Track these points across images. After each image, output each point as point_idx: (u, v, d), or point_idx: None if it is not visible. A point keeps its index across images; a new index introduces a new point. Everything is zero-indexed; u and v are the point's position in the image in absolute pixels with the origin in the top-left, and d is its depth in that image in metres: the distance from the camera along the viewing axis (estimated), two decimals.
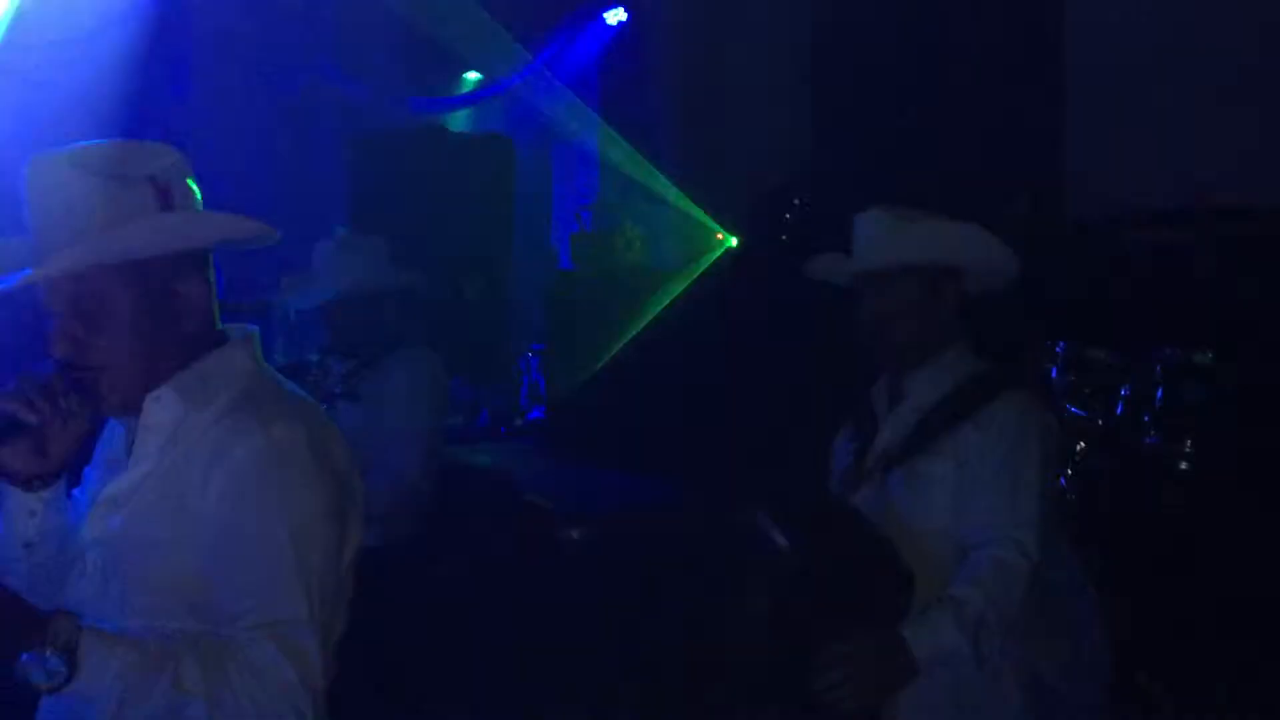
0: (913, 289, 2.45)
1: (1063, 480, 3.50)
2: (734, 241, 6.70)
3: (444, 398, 3.75)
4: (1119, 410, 3.56)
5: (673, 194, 7.29)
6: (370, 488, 3.47)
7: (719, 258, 6.69)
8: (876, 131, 5.98)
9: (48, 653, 1.49)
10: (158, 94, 6.34)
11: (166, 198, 1.70)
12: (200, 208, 1.77)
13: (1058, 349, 3.65)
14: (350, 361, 3.71)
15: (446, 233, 4.89)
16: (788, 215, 6.20)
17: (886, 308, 2.46)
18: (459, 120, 10.00)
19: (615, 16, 8.82)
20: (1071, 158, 5.12)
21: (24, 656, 1.49)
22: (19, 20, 5.31)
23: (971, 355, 2.54)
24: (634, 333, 6.18)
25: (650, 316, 6.21)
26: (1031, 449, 2.36)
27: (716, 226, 6.77)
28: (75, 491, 1.84)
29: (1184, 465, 3.59)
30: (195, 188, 1.77)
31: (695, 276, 6.47)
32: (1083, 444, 3.61)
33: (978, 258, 2.50)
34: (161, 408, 1.73)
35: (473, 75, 10.18)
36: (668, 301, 6.27)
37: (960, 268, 2.49)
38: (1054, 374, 3.74)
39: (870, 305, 2.48)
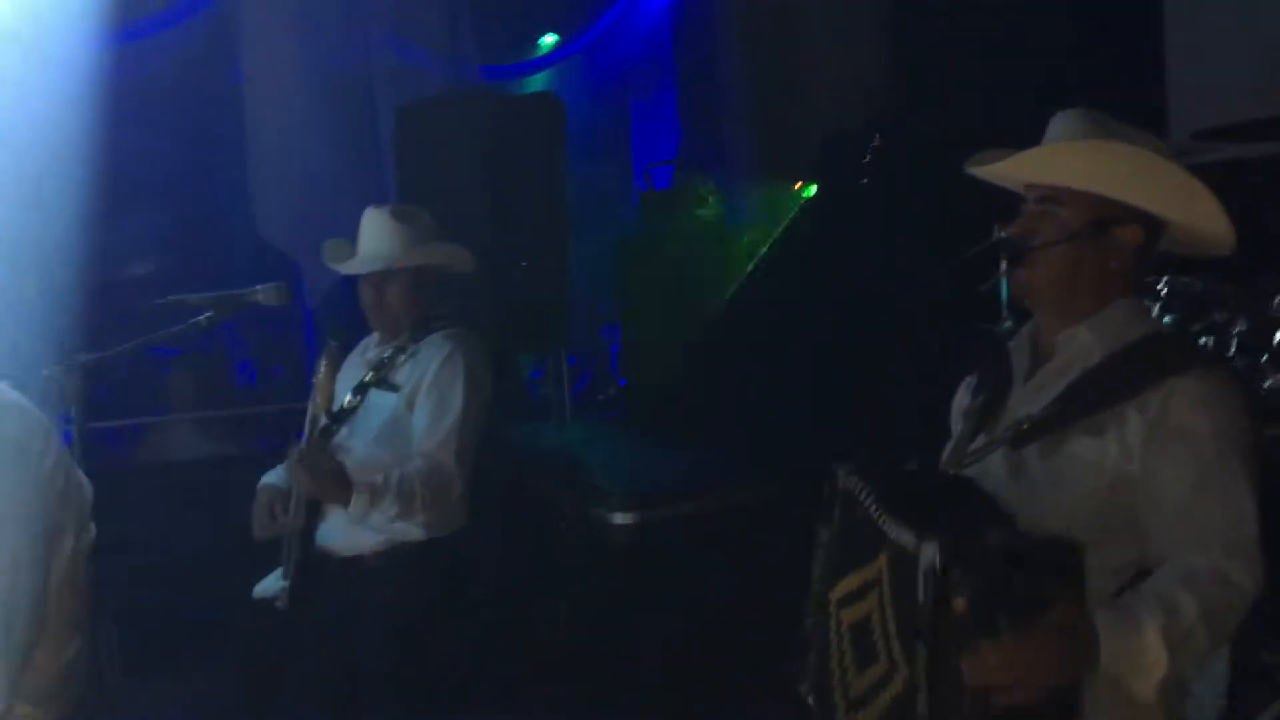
0: (1076, 218, 2.00)
1: None
2: (813, 189, 6.32)
3: (485, 383, 3.50)
4: (1232, 352, 3.10)
5: (750, 145, 6.93)
6: (408, 479, 3.31)
7: (799, 207, 6.31)
8: (961, 56, 5.53)
9: None
10: (206, 68, 6.25)
11: None
12: None
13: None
14: (386, 346, 3.52)
15: (496, 198, 4.63)
16: (867, 157, 5.82)
17: (1038, 231, 2.02)
18: (538, 84, 9.80)
19: None
20: (1172, 65, 4.60)
21: None
22: None
23: (1145, 314, 2.07)
24: (708, 292, 5.87)
25: (727, 274, 5.91)
26: (1242, 443, 1.87)
27: (794, 176, 6.39)
28: None
29: None
30: None
31: (774, 230, 6.11)
32: None
33: (1176, 216, 2.01)
34: None
35: (549, 39, 9.98)
36: (745, 258, 5.95)
37: (1151, 217, 2.02)
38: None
39: (1022, 223, 2.04)
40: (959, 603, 1.64)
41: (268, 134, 6.06)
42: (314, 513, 3.39)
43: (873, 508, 1.88)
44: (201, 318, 3.07)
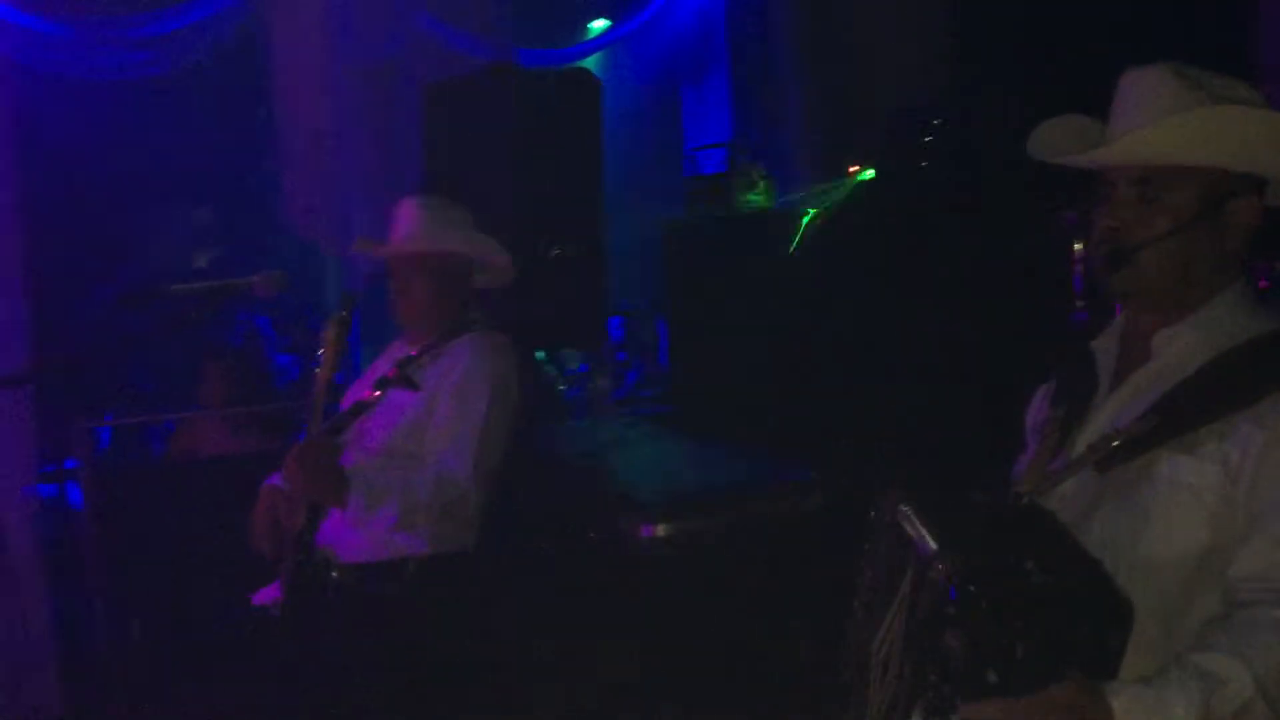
0: (1188, 200, 1.68)
1: None
2: (869, 174, 5.97)
3: (513, 392, 3.25)
4: None
5: (804, 128, 6.61)
6: (418, 487, 3.06)
7: (854, 192, 5.97)
8: (1025, 29, 5.16)
9: None
10: (238, 54, 6.06)
11: None
12: None
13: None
14: (415, 346, 3.30)
15: (528, 182, 4.36)
16: (928, 138, 5.46)
17: (1144, 222, 1.70)
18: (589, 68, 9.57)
19: None
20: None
21: None
22: None
23: (1254, 308, 1.74)
24: (756, 282, 5.55)
25: (772, 260, 5.60)
26: None
27: (850, 160, 6.05)
28: None
29: None
30: None
31: (823, 214, 5.78)
32: None
33: None
34: None
35: (599, 23, 9.74)
36: (792, 243, 5.63)
37: (1264, 183, 1.70)
38: None
39: (1120, 214, 1.73)
40: (951, 639, 1.41)
41: (299, 122, 5.83)
42: (316, 514, 3.16)
43: (914, 529, 1.59)
44: (192, 310, 2.85)
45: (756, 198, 6.03)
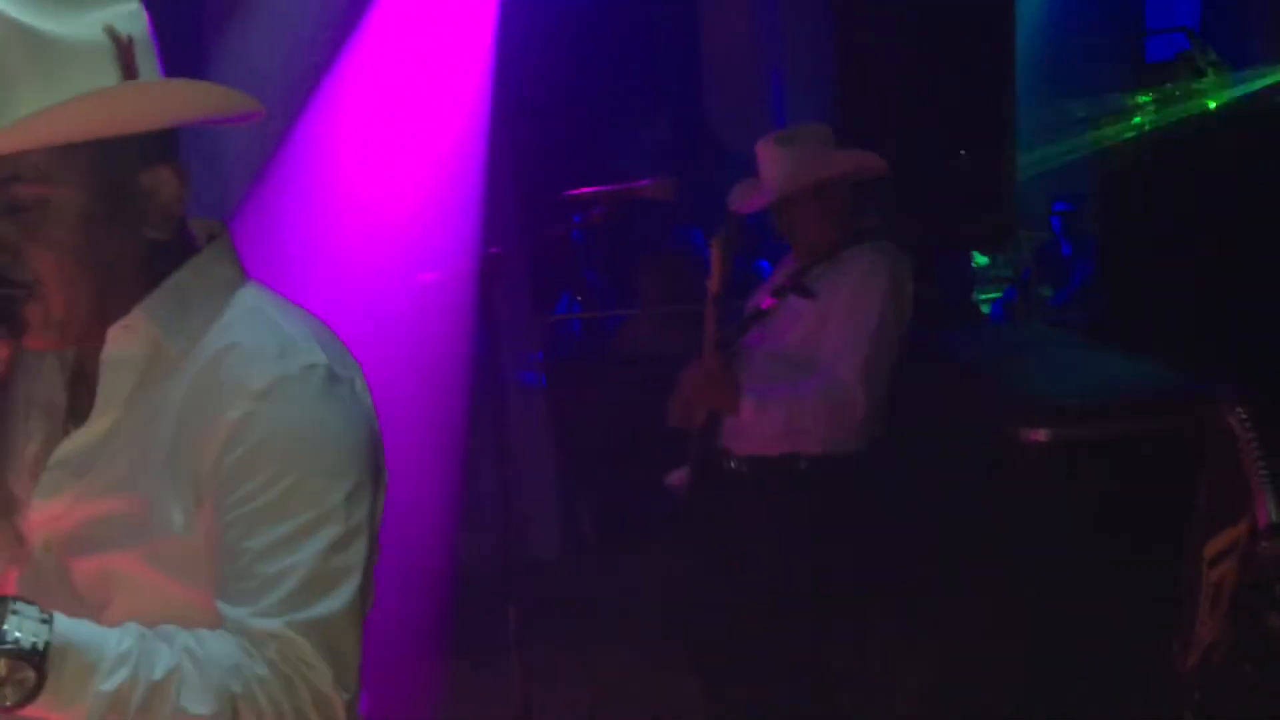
0: None
1: None
2: None
3: (906, 302, 3.33)
4: None
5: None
6: (806, 395, 3.21)
7: None
8: None
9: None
10: None
11: (128, 58, 1.28)
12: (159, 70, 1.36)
13: None
14: (808, 258, 3.45)
15: (938, 79, 4.28)
16: None
17: None
18: None
19: None
20: None
21: None
22: None
23: None
24: (1197, 179, 5.07)
25: (1221, 159, 5.06)
26: None
27: None
28: None
29: None
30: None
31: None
32: None
33: None
34: (133, 338, 1.33)
35: None
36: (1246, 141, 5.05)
37: None
38: None
39: None
40: (1275, 619, 1.31)
41: (727, 38, 6.04)
42: (715, 415, 3.41)
43: (1256, 460, 1.52)
44: (593, 213, 3.15)
45: (1204, 88, 5.46)
